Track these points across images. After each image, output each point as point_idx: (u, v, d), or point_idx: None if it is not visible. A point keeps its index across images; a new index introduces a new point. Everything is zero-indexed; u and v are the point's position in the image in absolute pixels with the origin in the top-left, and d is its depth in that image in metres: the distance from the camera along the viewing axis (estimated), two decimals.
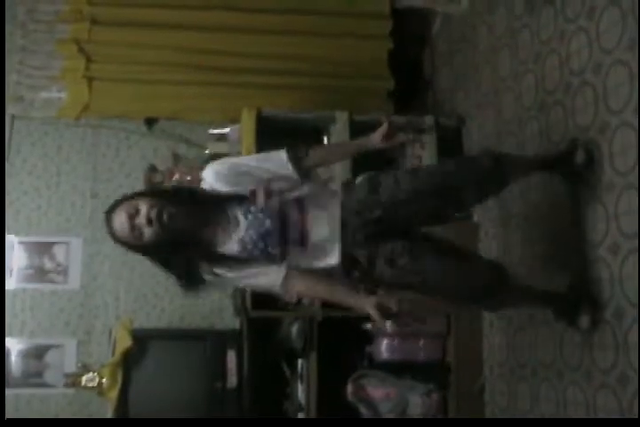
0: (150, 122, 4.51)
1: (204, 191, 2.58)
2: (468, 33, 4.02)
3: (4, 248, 4.32)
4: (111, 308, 4.36)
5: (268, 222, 2.47)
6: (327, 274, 2.59)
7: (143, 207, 2.43)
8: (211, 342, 3.90)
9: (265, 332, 3.84)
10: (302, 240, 2.51)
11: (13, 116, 4.47)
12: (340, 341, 3.65)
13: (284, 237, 2.48)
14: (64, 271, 4.39)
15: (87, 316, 4.36)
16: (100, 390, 3.82)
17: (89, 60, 4.44)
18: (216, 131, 4.26)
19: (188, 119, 4.53)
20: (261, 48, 4.49)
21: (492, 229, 3.65)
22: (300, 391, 3.72)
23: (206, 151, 4.24)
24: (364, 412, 3.52)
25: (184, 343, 3.96)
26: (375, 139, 2.66)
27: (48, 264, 4.39)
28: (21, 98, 4.46)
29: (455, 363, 3.61)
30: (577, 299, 2.77)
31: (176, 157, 4.42)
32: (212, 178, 2.59)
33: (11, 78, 4.46)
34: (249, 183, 2.54)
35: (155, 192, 2.58)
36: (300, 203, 2.54)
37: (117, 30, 4.46)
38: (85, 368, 3.90)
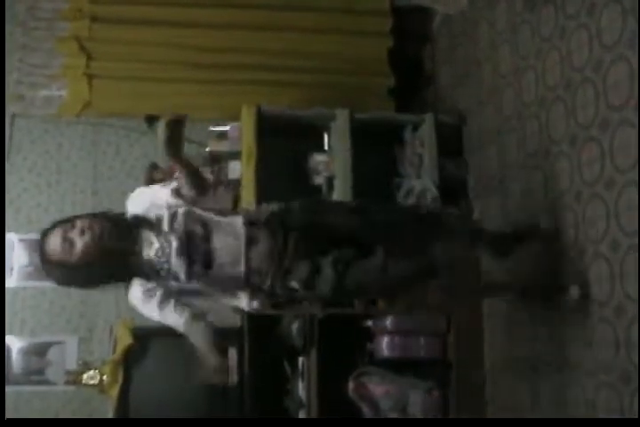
0: (151, 120, 4.50)
1: (130, 214, 2.69)
2: (469, 29, 4.01)
3: (4, 247, 4.32)
4: (112, 305, 4.35)
5: (174, 243, 2.53)
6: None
7: (78, 223, 2.51)
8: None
9: (266, 329, 3.83)
10: (208, 261, 2.56)
11: (14, 115, 4.47)
12: (341, 338, 3.65)
13: (189, 257, 2.53)
14: None
15: (88, 313, 4.36)
16: (100, 387, 3.83)
17: (89, 57, 4.44)
18: (216, 128, 4.26)
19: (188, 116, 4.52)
20: (261, 45, 4.49)
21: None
22: (301, 389, 3.71)
23: (207, 149, 4.24)
24: (365, 409, 3.52)
25: (185, 341, 3.96)
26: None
27: None
28: (22, 96, 4.46)
29: (456, 360, 3.60)
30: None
31: None
32: (134, 202, 2.76)
33: (11, 77, 4.47)
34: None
35: (92, 214, 2.61)
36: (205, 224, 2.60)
37: (117, 28, 4.46)
38: (86, 366, 3.91)
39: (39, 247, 2.55)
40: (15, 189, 4.43)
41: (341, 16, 4.57)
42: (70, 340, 4.31)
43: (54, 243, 2.49)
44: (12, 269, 4.34)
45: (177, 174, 2.76)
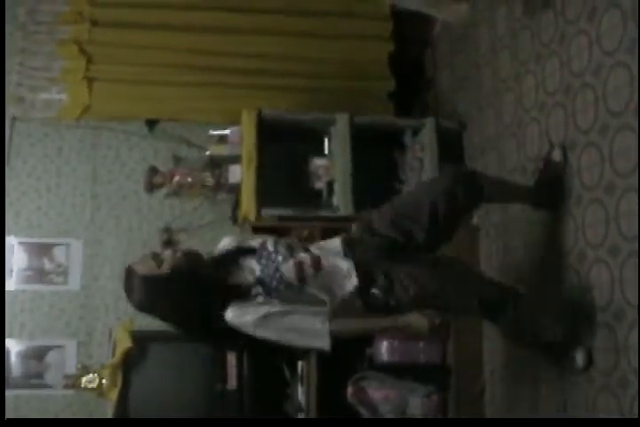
0: (151, 123, 4.51)
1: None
2: (469, 34, 4.02)
3: (4, 249, 4.32)
4: (111, 309, 4.36)
5: (279, 258, 2.65)
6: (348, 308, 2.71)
7: (165, 251, 2.61)
8: (211, 343, 3.88)
9: None
10: (317, 265, 2.66)
11: (14, 118, 4.47)
12: (341, 342, 3.64)
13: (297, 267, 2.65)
14: (64, 272, 4.39)
15: (87, 317, 4.36)
16: (99, 391, 3.82)
17: (89, 61, 4.45)
18: (217, 132, 4.26)
19: (188, 120, 4.53)
20: (262, 49, 4.50)
21: (493, 231, 3.65)
22: (300, 393, 3.71)
23: (207, 153, 4.24)
24: (364, 413, 3.51)
25: (184, 345, 3.95)
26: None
27: (48, 265, 4.39)
28: (22, 99, 4.46)
29: (455, 365, 3.60)
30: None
31: (176, 159, 4.42)
32: (226, 242, 2.80)
33: (11, 79, 4.47)
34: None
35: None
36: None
37: (118, 31, 4.46)
38: (85, 369, 3.90)
39: (124, 278, 2.62)
40: (15, 192, 4.43)
41: (342, 20, 4.58)
42: (69, 343, 4.31)
43: (144, 264, 2.57)
44: (11, 272, 4.34)
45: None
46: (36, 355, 4.28)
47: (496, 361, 3.56)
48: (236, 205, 4.11)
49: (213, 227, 4.38)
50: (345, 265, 2.69)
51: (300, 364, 3.74)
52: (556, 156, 2.98)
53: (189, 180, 4.20)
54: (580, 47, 2.89)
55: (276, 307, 2.61)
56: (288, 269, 2.63)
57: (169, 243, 4.19)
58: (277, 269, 2.63)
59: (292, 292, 2.63)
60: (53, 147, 4.52)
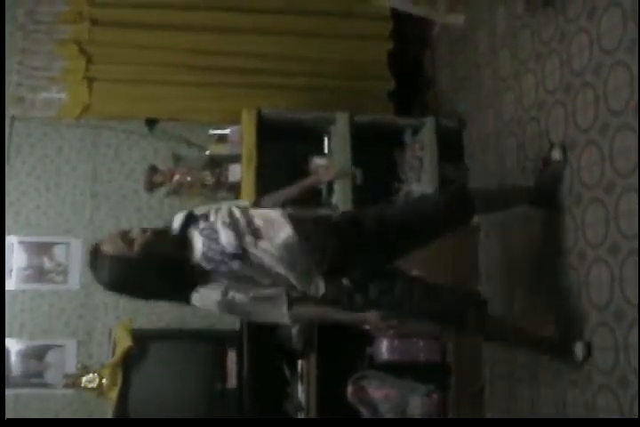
0: (151, 122, 4.51)
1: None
2: (469, 33, 4.02)
3: (4, 248, 4.32)
4: (111, 308, 4.36)
5: (219, 228, 2.60)
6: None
7: (134, 229, 2.56)
8: (211, 342, 3.90)
9: (265, 332, 3.82)
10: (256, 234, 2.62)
11: (13, 117, 4.47)
12: (341, 341, 3.64)
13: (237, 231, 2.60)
14: (64, 272, 4.39)
15: (87, 316, 4.36)
16: (99, 390, 3.82)
17: (89, 60, 4.44)
18: (216, 131, 4.26)
19: (188, 120, 4.53)
20: (262, 49, 4.50)
21: (493, 231, 3.65)
22: (300, 392, 3.71)
23: (207, 152, 4.24)
24: (364, 413, 3.51)
25: (184, 344, 3.96)
26: (322, 174, 3.04)
27: (48, 264, 4.39)
28: (22, 99, 4.46)
29: (455, 364, 3.60)
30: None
31: (176, 158, 4.42)
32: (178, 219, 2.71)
33: (11, 79, 4.46)
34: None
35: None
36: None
37: (117, 31, 4.46)
38: (85, 369, 3.90)
39: (90, 256, 2.56)
40: (14, 191, 4.42)
41: (342, 20, 4.58)
42: (69, 343, 4.31)
43: (113, 244, 2.50)
44: (11, 271, 4.34)
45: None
46: (36, 354, 4.28)
47: (495, 360, 3.56)
48: None
49: None
50: (276, 215, 2.66)
51: (299, 363, 3.74)
52: (556, 154, 2.98)
53: (189, 179, 4.20)
54: (580, 46, 2.89)
55: (232, 291, 2.57)
56: (226, 238, 2.57)
57: None
58: (218, 242, 2.57)
59: (241, 265, 2.58)
60: (53, 146, 4.52)
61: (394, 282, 2.72)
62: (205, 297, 2.57)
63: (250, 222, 2.64)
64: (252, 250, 2.58)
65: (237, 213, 2.66)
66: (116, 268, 2.51)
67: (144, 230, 2.54)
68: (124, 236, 2.52)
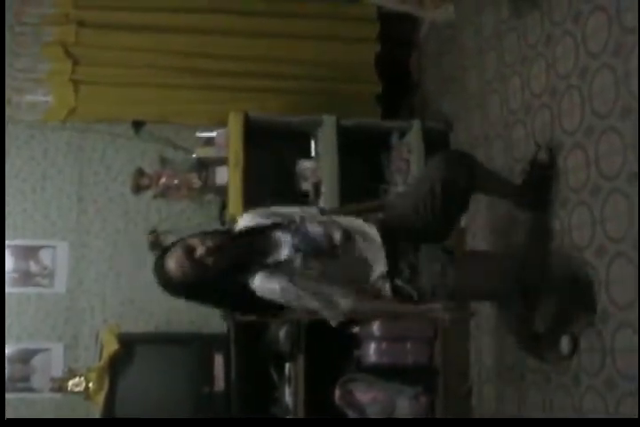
0: (137, 125, 4.50)
1: (241, 229, 2.67)
2: (456, 36, 4.03)
3: (4, 249, 4.29)
4: (98, 312, 4.35)
5: (310, 233, 2.60)
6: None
7: (197, 243, 2.48)
8: (198, 346, 3.89)
9: (252, 336, 3.82)
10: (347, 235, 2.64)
11: None
12: (328, 344, 3.64)
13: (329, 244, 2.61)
14: (50, 275, 4.37)
15: (74, 320, 4.34)
16: (86, 394, 3.81)
17: (75, 63, 4.43)
18: (203, 134, 4.25)
19: (175, 123, 4.52)
20: (248, 51, 4.49)
21: (479, 233, 3.66)
22: (288, 395, 3.71)
23: (194, 155, 4.23)
24: (352, 416, 3.51)
25: (171, 348, 3.95)
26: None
27: (34, 268, 4.38)
28: (7, 101, 4.44)
29: (442, 366, 3.61)
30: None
31: (163, 161, 4.41)
32: (246, 220, 2.71)
33: None
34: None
35: (199, 233, 2.60)
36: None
37: (104, 33, 4.45)
38: (72, 373, 3.89)
39: (159, 273, 2.51)
40: None
41: (328, 22, 4.58)
42: (55, 346, 4.29)
43: (181, 265, 2.46)
44: None
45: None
46: (22, 358, 4.26)
47: (483, 362, 3.56)
48: (223, 206, 4.10)
49: (200, 229, 4.36)
50: (374, 249, 2.65)
51: (287, 366, 3.74)
52: (543, 156, 2.99)
53: (176, 182, 4.19)
54: (565, 49, 2.90)
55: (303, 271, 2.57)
56: (318, 233, 2.59)
57: (156, 245, 4.18)
58: (307, 235, 2.57)
59: (320, 262, 2.58)
60: (39, 149, 4.50)
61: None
62: (269, 281, 2.53)
63: (336, 223, 2.67)
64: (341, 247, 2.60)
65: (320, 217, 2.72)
66: (183, 291, 2.53)
67: (208, 250, 2.46)
68: (190, 255, 2.46)
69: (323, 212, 2.84)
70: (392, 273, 2.65)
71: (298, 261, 2.55)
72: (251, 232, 2.62)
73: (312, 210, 2.85)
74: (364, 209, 2.94)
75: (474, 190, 2.88)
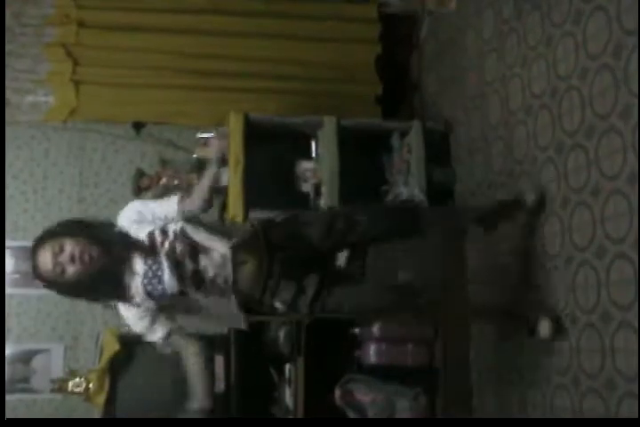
0: (138, 126, 4.50)
1: (120, 232, 2.68)
2: (456, 37, 4.03)
3: (4, 250, 4.29)
4: (98, 313, 4.34)
5: (165, 264, 2.60)
6: None
7: (68, 246, 2.53)
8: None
9: (252, 336, 3.82)
10: (198, 281, 2.64)
11: None
12: (328, 345, 3.64)
13: (181, 277, 2.61)
14: None
15: (74, 321, 4.34)
16: (87, 395, 3.80)
17: (76, 63, 4.43)
18: (204, 135, 4.25)
19: (175, 123, 4.52)
20: (249, 52, 4.49)
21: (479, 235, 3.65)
22: (288, 396, 3.70)
23: (194, 155, 4.23)
24: (352, 416, 3.51)
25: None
26: None
27: None
28: (8, 102, 4.44)
29: (442, 367, 3.60)
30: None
31: (164, 162, 4.41)
32: (126, 216, 2.71)
33: None
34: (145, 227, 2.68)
35: (77, 230, 2.61)
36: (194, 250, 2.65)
37: (104, 34, 4.45)
38: (72, 374, 3.88)
39: (32, 260, 2.58)
40: None
41: (329, 23, 4.57)
42: (56, 347, 4.29)
43: (45, 264, 2.53)
44: None
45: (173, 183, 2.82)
46: (23, 359, 4.26)
47: (483, 363, 3.56)
48: (224, 207, 4.10)
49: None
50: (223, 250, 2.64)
51: (287, 367, 3.74)
52: (530, 198, 3.00)
53: (176, 182, 4.19)
54: (566, 50, 2.90)
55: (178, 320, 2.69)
56: (170, 283, 2.59)
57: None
58: (159, 279, 2.59)
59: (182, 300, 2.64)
60: (40, 149, 4.50)
61: None
62: (133, 321, 2.73)
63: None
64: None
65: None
66: (51, 287, 2.62)
67: (72, 258, 2.50)
68: (55, 257, 2.52)
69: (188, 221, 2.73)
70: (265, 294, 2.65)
71: (151, 306, 2.63)
72: (121, 245, 2.62)
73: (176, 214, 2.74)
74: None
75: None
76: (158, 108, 4.46)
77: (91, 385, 3.77)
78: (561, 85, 2.93)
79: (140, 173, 4.24)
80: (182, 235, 2.64)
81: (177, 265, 2.59)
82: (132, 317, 2.71)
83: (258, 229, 2.68)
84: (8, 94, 4.43)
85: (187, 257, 2.60)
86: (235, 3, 4.57)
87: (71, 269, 2.52)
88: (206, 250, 2.64)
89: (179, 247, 2.60)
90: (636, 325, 2.43)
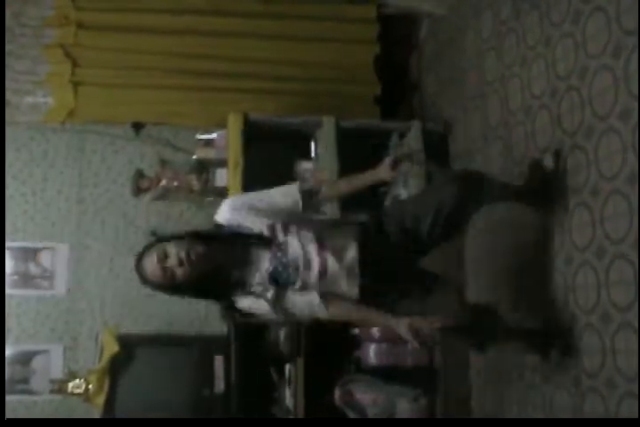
0: (137, 127, 4.50)
1: (224, 231, 2.69)
2: (455, 37, 4.03)
3: (4, 250, 4.29)
4: (97, 313, 4.35)
5: (289, 258, 2.62)
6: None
7: (172, 250, 2.54)
8: (198, 347, 3.89)
9: (252, 337, 3.82)
10: (323, 273, 2.64)
11: None
12: (328, 346, 3.64)
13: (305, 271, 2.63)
14: (50, 277, 4.37)
15: (73, 322, 4.34)
16: (86, 396, 3.81)
17: (75, 64, 4.42)
18: (203, 136, 4.25)
19: (174, 124, 4.52)
20: (248, 53, 4.49)
21: (479, 235, 3.65)
22: (288, 396, 3.71)
23: (193, 157, 4.24)
24: (352, 417, 3.51)
25: (171, 349, 3.96)
26: (384, 172, 2.83)
27: (34, 270, 4.37)
28: (7, 102, 4.43)
29: (442, 367, 3.61)
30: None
31: (163, 163, 4.41)
32: (227, 213, 2.70)
33: None
34: (261, 218, 2.67)
35: (179, 235, 2.65)
36: (319, 238, 2.66)
37: (104, 35, 4.44)
38: (72, 374, 3.89)
39: (139, 273, 2.61)
40: None
41: (328, 24, 4.57)
42: (55, 348, 4.29)
43: (153, 272, 2.55)
44: None
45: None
46: (22, 360, 4.25)
47: (483, 364, 3.56)
48: None
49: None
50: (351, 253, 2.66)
51: (287, 367, 3.74)
52: (549, 161, 2.95)
53: (176, 183, 4.19)
54: (565, 50, 2.90)
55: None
56: (295, 259, 2.60)
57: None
58: (286, 263, 2.61)
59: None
60: (39, 150, 4.50)
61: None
62: (256, 304, 2.64)
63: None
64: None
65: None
66: (160, 290, 2.64)
67: (180, 261, 2.52)
68: (162, 263, 2.53)
69: (306, 199, 2.75)
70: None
71: (271, 293, 2.61)
72: (231, 240, 2.64)
73: (293, 196, 2.75)
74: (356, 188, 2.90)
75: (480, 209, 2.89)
76: (157, 109, 4.46)
77: (90, 386, 3.78)
78: (560, 85, 2.93)
79: (140, 174, 4.24)
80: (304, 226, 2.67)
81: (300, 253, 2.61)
82: (253, 304, 2.65)
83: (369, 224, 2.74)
84: (7, 95, 4.43)
85: (312, 245, 2.62)
86: (234, 3, 4.56)
87: (180, 272, 2.52)
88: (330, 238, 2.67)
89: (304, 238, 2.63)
90: (636, 325, 2.43)
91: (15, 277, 4.36)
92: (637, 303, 2.43)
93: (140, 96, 4.45)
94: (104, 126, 4.51)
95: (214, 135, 4.16)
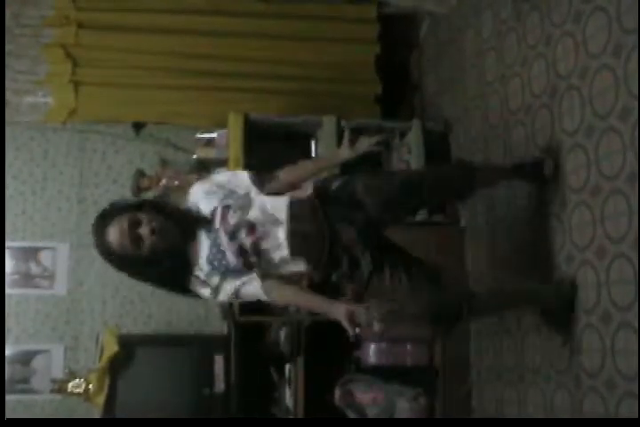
0: (138, 126, 4.50)
1: (184, 209, 2.68)
2: (455, 37, 4.03)
3: (4, 250, 4.29)
4: (98, 313, 4.34)
5: (224, 242, 2.57)
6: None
7: (145, 219, 2.49)
8: (198, 347, 3.88)
9: (252, 337, 3.83)
10: (257, 251, 2.59)
11: None
12: (328, 345, 3.64)
13: (240, 253, 2.57)
14: (50, 277, 4.37)
15: (74, 321, 4.34)
16: (86, 396, 3.80)
17: (75, 64, 4.42)
18: (204, 135, 4.25)
19: (175, 124, 4.52)
20: (248, 52, 4.49)
21: (479, 233, 3.66)
22: (288, 396, 3.71)
23: (194, 156, 4.23)
24: (352, 417, 3.51)
25: (171, 349, 3.95)
26: (342, 151, 2.80)
27: (34, 269, 4.37)
28: (7, 102, 4.43)
29: (442, 367, 3.61)
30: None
31: (164, 162, 4.41)
32: (196, 192, 2.71)
33: None
34: (214, 201, 2.65)
35: (149, 206, 2.60)
36: (252, 226, 2.60)
37: (104, 35, 4.44)
38: (72, 374, 3.88)
39: (97, 236, 2.54)
40: None
41: (329, 24, 4.57)
42: (55, 348, 4.29)
43: (119, 237, 2.48)
44: None
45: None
46: (22, 360, 4.25)
47: (482, 362, 3.56)
48: None
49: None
50: (281, 235, 2.59)
51: (287, 367, 3.74)
52: (548, 168, 2.96)
53: (176, 183, 4.19)
54: (565, 50, 2.90)
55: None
56: (232, 257, 2.55)
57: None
58: (222, 254, 2.56)
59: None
60: (39, 150, 4.49)
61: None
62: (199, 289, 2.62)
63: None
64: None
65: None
66: (116, 262, 2.55)
67: (152, 230, 2.47)
68: (133, 229, 2.47)
69: (258, 184, 2.74)
70: (327, 267, 2.64)
71: (216, 279, 2.58)
72: (189, 221, 2.61)
73: (246, 181, 2.74)
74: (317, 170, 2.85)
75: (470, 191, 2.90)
76: (158, 109, 4.45)
77: (91, 386, 3.77)
78: (561, 85, 2.93)
79: (140, 174, 4.24)
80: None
81: (233, 237, 2.55)
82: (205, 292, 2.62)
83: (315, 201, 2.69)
84: (7, 95, 4.42)
85: (243, 229, 2.57)
86: (234, 3, 4.56)
87: (149, 241, 2.46)
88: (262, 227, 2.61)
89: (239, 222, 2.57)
90: (636, 325, 2.43)
91: (15, 276, 4.35)
92: (637, 303, 2.43)
93: (141, 96, 4.45)
94: (104, 126, 4.51)
95: (215, 135, 4.16)
